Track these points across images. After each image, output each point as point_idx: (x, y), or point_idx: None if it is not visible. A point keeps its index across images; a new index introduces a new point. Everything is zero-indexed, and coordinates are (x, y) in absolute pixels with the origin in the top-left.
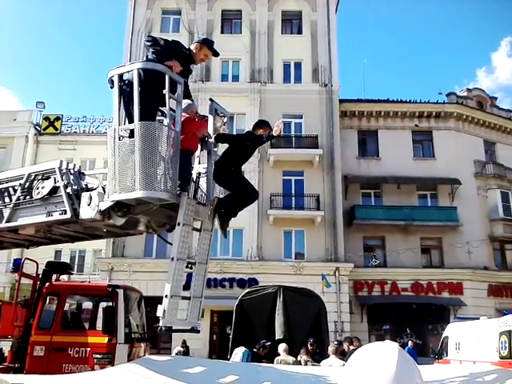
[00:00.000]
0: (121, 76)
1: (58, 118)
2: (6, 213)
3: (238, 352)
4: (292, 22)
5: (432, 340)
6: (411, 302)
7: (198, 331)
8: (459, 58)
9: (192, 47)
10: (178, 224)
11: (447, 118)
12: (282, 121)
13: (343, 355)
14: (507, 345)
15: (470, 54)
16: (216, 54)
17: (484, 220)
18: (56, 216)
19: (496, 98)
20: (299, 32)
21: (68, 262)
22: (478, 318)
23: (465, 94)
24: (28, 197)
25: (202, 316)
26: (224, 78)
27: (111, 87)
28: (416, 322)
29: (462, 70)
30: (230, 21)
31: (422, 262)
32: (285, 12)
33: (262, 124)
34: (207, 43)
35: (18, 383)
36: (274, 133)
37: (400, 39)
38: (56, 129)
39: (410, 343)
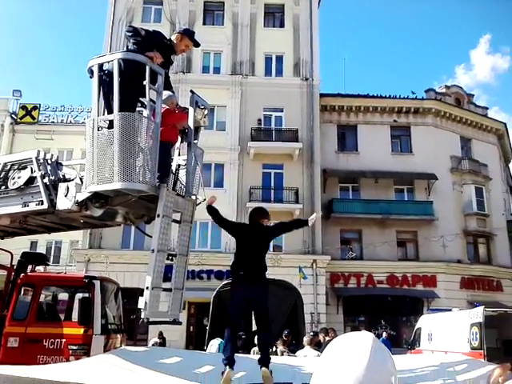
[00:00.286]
0: (101, 66)
1: (35, 107)
2: None
3: (214, 343)
4: (274, 15)
5: (406, 331)
6: (386, 295)
7: (180, 323)
8: (439, 55)
9: (173, 38)
10: (158, 216)
11: (425, 114)
12: (315, 216)
13: (319, 346)
14: (478, 336)
15: (450, 51)
16: (197, 45)
17: (459, 214)
18: (32, 206)
19: (473, 95)
20: (281, 25)
21: (44, 253)
22: (450, 310)
23: (443, 90)
24: (3, 187)
25: (184, 308)
26: (205, 69)
27: (91, 77)
28: (391, 314)
29: (441, 67)
30: (212, 12)
31: (397, 255)
32: (267, 5)
33: (265, 213)
34: (188, 34)
35: None
36: (309, 222)
37: (381, 35)
38: (33, 118)
39: (384, 334)
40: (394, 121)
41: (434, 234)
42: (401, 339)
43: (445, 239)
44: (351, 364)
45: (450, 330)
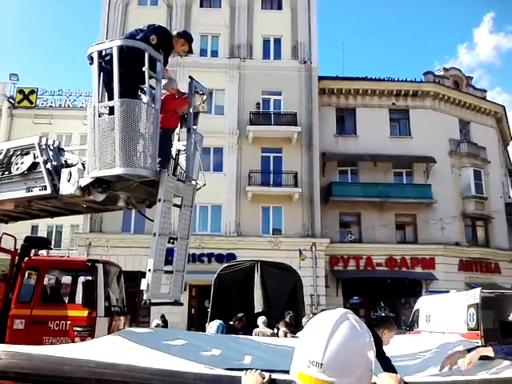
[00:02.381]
0: (100, 52)
1: (32, 91)
2: None
3: (213, 325)
4: None
5: (405, 313)
6: (385, 277)
7: (181, 304)
8: (441, 34)
9: (174, 34)
10: (159, 200)
11: (424, 97)
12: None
13: None
14: (475, 317)
15: (452, 30)
16: (191, 52)
17: (457, 197)
18: (36, 191)
19: (472, 78)
20: (279, 7)
21: (46, 237)
22: (448, 292)
23: (441, 73)
24: (7, 172)
25: (185, 289)
26: (203, 52)
27: (90, 64)
28: (389, 296)
29: (443, 46)
30: None
31: (396, 238)
32: None
33: None
34: (189, 40)
35: (8, 350)
36: None
37: (380, 15)
38: (31, 102)
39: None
40: (393, 104)
41: (433, 217)
42: (400, 321)
43: (443, 222)
44: (318, 331)
45: (447, 312)
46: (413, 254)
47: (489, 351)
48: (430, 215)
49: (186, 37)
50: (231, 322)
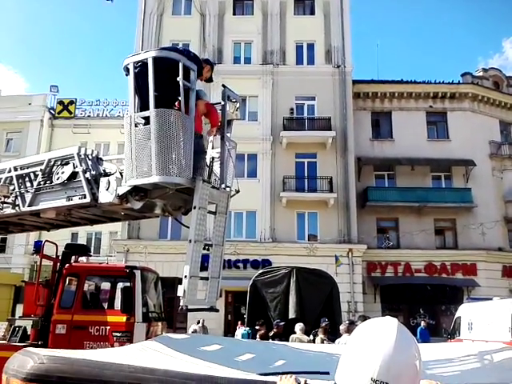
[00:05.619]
0: (136, 63)
1: (71, 102)
2: (28, 197)
3: (238, 333)
4: (304, 3)
5: (445, 320)
6: (425, 283)
7: (217, 310)
8: (484, 29)
9: (203, 60)
10: (194, 207)
11: (462, 99)
12: None
13: None
14: None
15: (497, 24)
16: (210, 81)
17: (499, 201)
18: (76, 200)
19: None
20: (312, 13)
21: (85, 244)
22: (491, 299)
23: (480, 73)
24: (48, 182)
25: (221, 296)
26: (236, 60)
27: (126, 74)
28: (429, 303)
29: (487, 42)
30: (242, 2)
31: (435, 244)
32: None
33: None
34: (212, 66)
35: (50, 355)
36: None
37: (417, 14)
38: (70, 112)
39: (422, 323)
40: (430, 106)
41: (473, 222)
42: (440, 328)
43: (484, 227)
44: (378, 347)
45: (490, 319)
46: (453, 260)
47: None
48: (470, 220)
49: (210, 63)
50: (257, 327)
